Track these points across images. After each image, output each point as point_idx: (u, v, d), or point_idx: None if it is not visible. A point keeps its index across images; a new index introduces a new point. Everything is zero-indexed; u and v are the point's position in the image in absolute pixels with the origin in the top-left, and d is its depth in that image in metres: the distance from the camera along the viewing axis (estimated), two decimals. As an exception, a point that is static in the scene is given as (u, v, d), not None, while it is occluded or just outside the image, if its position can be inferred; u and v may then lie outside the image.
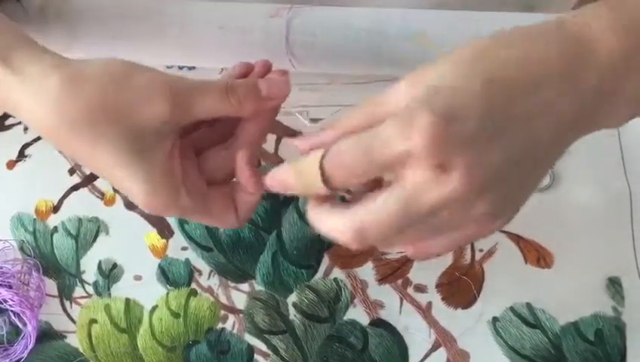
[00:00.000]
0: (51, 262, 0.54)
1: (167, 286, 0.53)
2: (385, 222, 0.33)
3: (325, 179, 0.34)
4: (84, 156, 0.40)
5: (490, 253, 0.53)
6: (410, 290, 0.52)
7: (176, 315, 0.52)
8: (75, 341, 0.51)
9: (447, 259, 0.53)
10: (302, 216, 0.54)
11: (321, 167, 0.33)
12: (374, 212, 0.33)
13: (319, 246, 0.53)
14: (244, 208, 0.43)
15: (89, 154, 0.39)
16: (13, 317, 0.51)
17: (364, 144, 0.32)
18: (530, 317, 0.50)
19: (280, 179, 0.37)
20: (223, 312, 0.52)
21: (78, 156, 0.40)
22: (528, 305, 0.51)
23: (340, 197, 0.37)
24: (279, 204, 0.54)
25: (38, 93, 0.38)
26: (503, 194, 0.33)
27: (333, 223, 0.35)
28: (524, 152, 0.33)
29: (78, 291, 0.53)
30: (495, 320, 0.51)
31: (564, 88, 0.33)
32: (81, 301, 0.52)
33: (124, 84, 0.38)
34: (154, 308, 0.52)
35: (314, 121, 0.57)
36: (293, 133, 0.57)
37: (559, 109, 0.33)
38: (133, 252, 0.54)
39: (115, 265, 0.53)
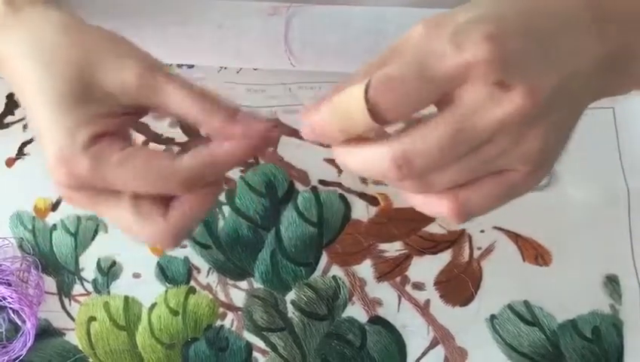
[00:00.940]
0: (50, 259, 0.54)
1: (166, 283, 0.53)
2: (434, 146, 0.29)
3: (373, 110, 0.28)
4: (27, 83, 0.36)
5: (488, 250, 0.53)
6: (408, 288, 0.52)
7: (175, 313, 0.52)
8: (74, 338, 0.51)
9: (446, 257, 0.53)
10: (300, 213, 0.54)
11: (367, 96, 0.28)
12: (422, 136, 0.29)
13: (318, 243, 0.53)
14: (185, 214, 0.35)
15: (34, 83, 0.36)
16: (12, 315, 0.51)
17: (415, 61, 0.28)
18: (527, 315, 0.51)
19: (315, 122, 0.32)
20: (221, 310, 0.52)
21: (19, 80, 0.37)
22: (526, 303, 0.51)
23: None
24: (278, 202, 0.55)
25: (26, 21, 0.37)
26: (554, 131, 0.31)
27: (369, 154, 0.30)
28: (571, 83, 0.30)
29: (77, 288, 0.53)
30: (493, 317, 0.51)
31: (594, 29, 0.31)
32: (80, 298, 0.53)
33: (111, 41, 0.36)
34: (153, 306, 0.52)
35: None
36: (293, 132, 0.57)
37: (592, 49, 0.31)
38: (132, 249, 0.54)
39: (114, 263, 0.53)
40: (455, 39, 0.28)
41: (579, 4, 0.32)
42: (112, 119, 0.36)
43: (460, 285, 0.52)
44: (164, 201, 0.35)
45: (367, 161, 0.31)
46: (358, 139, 0.31)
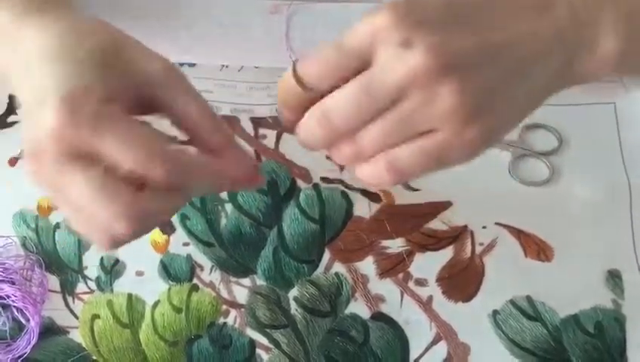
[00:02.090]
0: (54, 258, 0.54)
1: (169, 281, 0.53)
2: (348, 101, 0.33)
3: (298, 78, 0.34)
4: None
5: (490, 246, 0.53)
6: (410, 284, 0.52)
7: (178, 310, 0.52)
8: (77, 336, 0.51)
9: (448, 253, 0.53)
10: (303, 211, 0.54)
11: (294, 68, 0.34)
12: (337, 95, 0.33)
13: (320, 240, 0.53)
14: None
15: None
16: (16, 313, 0.51)
17: (333, 42, 0.33)
18: (530, 310, 0.51)
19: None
20: (224, 307, 0.52)
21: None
22: (528, 298, 0.51)
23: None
24: (280, 199, 0.55)
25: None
26: (475, 92, 0.32)
27: (304, 118, 0.35)
28: (499, 55, 0.33)
29: (81, 287, 0.53)
30: (495, 313, 0.51)
31: (538, 12, 0.34)
32: (84, 296, 0.53)
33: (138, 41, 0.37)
34: (156, 303, 0.52)
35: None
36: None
37: (534, 27, 0.34)
38: (135, 248, 0.53)
39: (117, 261, 0.54)
40: (368, 14, 0.31)
41: None
42: (123, 100, 0.35)
43: (462, 281, 0.52)
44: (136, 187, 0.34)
45: (301, 124, 0.35)
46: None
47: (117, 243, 0.35)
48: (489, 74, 0.33)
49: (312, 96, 0.34)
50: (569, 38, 0.35)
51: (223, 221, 0.54)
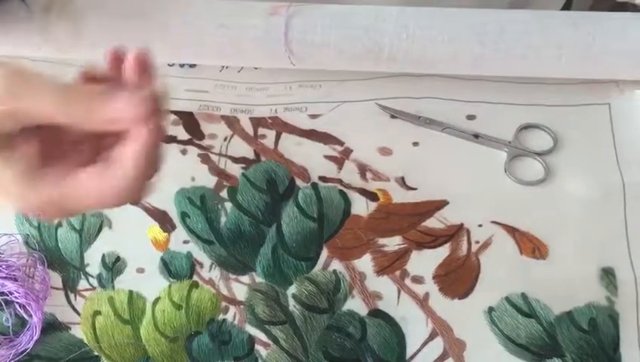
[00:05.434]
0: (56, 255, 0.55)
1: (170, 278, 0.54)
2: None
3: None
4: None
5: (486, 244, 0.54)
6: (407, 281, 0.53)
7: (178, 307, 0.53)
8: (79, 332, 0.52)
9: (444, 251, 0.54)
10: (301, 209, 0.55)
11: None
12: None
13: (318, 238, 0.54)
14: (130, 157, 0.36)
15: None
16: (19, 309, 0.52)
17: None
18: (525, 307, 0.51)
19: None
20: (224, 303, 0.53)
21: None
22: (523, 295, 0.52)
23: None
24: (279, 198, 0.56)
25: None
26: None
27: None
28: None
29: (82, 284, 0.54)
30: (491, 309, 0.52)
31: None
32: (85, 293, 0.54)
33: None
34: (156, 300, 0.53)
35: (313, 117, 0.58)
36: (292, 130, 0.58)
37: None
38: (136, 245, 0.55)
39: (118, 258, 0.54)
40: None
41: None
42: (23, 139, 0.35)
43: (458, 278, 0.53)
44: None
45: None
46: None
47: None
48: None
49: None
50: None
51: (223, 219, 0.55)
